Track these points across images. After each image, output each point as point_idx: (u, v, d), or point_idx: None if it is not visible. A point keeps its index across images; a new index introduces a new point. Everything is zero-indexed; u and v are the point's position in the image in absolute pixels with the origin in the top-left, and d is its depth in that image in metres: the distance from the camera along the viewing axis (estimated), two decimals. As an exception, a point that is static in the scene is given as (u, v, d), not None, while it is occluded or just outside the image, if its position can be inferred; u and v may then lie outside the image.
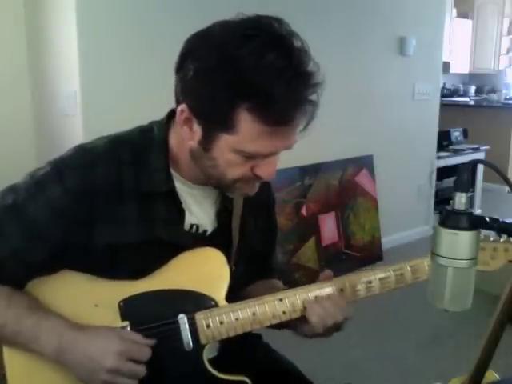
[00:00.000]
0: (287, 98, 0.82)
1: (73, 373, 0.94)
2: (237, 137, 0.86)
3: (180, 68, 0.90)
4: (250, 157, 0.89)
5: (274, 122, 0.84)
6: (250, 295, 1.06)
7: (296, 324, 1.04)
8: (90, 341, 0.93)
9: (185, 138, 0.94)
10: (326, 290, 1.02)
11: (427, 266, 1.04)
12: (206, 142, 0.90)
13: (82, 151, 0.98)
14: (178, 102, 0.93)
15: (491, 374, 1.02)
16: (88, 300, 0.98)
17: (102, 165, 0.95)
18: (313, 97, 0.86)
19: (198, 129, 0.90)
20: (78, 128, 2.49)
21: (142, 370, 0.93)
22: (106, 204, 0.95)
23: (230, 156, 0.89)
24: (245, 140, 0.86)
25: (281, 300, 1.00)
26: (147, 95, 2.51)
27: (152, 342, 0.95)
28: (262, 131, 0.85)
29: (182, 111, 0.90)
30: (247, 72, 0.81)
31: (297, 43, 0.86)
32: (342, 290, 1.02)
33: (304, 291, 1.01)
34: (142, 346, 0.94)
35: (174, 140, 0.99)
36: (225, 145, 0.88)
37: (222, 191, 1.02)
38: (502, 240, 1.01)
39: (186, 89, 0.89)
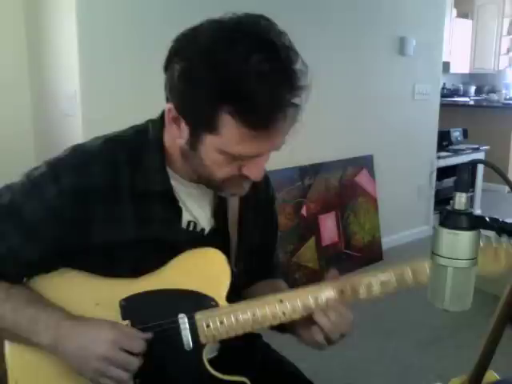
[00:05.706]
0: (269, 102, 0.81)
1: (68, 363, 0.94)
2: (221, 138, 0.86)
3: (167, 67, 0.90)
4: (235, 158, 0.89)
5: (256, 125, 0.83)
6: (254, 296, 1.06)
7: (297, 329, 1.03)
8: (84, 329, 0.93)
9: (174, 136, 0.94)
10: (326, 292, 1.01)
11: (428, 268, 1.03)
12: (193, 141, 0.90)
13: (77, 151, 0.98)
14: (167, 101, 0.93)
15: (491, 374, 1.01)
16: (89, 299, 0.98)
17: (98, 164, 0.96)
18: (296, 100, 0.85)
19: (185, 128, 0.90)
20: (77, 128, 2.49)
21: (134, 362, 0.93)
22: (102, 203, 0.95)
23: (215, 156, 0.89)
24: (228, 142, 0.86)
25: (281, 301, 1.00)
26: (147, 95, 2.49)
27: (147, 335, 0.95)
28: (244, 134, 0.84)
29: (170, 110, 0.91)
30: (231, 76, 0.81)
31: (283, 44, 0.85)
32: (342, 291, 1.02)
33: (305, 293, 1.01)
34: (134, 338, 0.94)
35: (168, 138, 0.99)
36: (210, 145, 0.88)
37: (214, 190, 1.02)
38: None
39: (173, 89, 0.89)
